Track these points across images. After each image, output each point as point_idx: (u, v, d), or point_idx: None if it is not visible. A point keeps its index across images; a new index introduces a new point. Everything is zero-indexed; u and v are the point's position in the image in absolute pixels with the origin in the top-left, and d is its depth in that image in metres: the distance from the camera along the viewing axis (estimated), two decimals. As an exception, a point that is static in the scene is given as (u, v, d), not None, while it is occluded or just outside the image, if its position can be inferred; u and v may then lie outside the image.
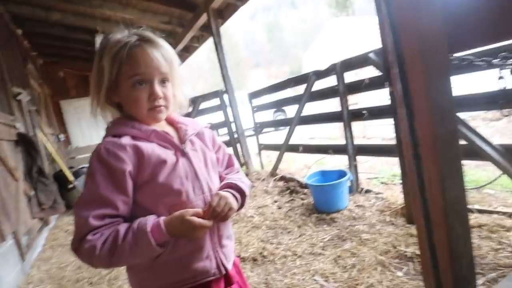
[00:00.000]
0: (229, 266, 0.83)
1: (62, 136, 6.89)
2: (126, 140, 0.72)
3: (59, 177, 4.52)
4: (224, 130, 4.64)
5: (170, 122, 0.87)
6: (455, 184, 0.69)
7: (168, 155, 0.76)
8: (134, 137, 0.74)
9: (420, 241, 0.83)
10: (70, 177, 4.59)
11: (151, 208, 0.73)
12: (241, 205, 0.83)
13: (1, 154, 2.65)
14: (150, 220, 0.69)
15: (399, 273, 1.64)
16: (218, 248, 0.80)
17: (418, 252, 1.74)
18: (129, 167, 0.70)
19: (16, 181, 2.94)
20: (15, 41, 4.84)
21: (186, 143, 0.81)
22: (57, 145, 6.28)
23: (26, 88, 4.51)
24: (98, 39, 4.66)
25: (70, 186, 4.51)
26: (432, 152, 0.70)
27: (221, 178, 0.90)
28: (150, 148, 0.74)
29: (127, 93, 0.75)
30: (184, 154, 0.79)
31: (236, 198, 0.80)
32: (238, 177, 0.88)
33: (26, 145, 3.44)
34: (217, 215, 0.74)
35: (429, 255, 0.75)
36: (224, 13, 4.45)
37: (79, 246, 0.67)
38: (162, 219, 0.70)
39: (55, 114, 7.59)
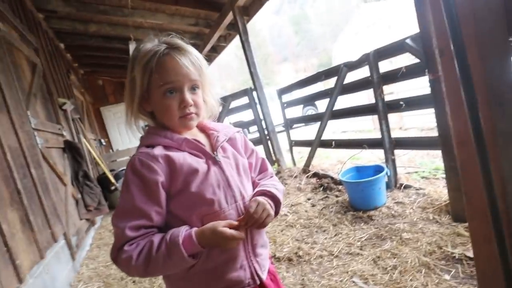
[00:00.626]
0: (264, 276, 0.81)
1: (103, 141, 7.33)
2: (158, 151, 0.73)
3: (102, 180, 4.82)
4: (255, 127, 4.64)
5: (202, 129, 0.87)
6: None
7: (199, 163, 0.76)
8: (166, 147, 0.75)
9: (477, 248, 0.74)
10: (112, 179, 4.88)
11: (184, 217, 0.74)
12: (276, 213, 0.81)
13: (50, 161, 2.87)
14: (182, 232, 0.69)
15: (447, 276, 1.52)
16: (252, 257, 0.80)
17: (467, 253, 1.61)
18: (161, 178, 0.71)
19: (65, 186, 3.18)
20: (59, 54, 5.22)
21: (217, 150, 0.80)
22: (99, 150, 6.71)
23: (70, 98, 4.86)
24: (132, 46, 4.88)
25: (113, 188, 4.79)
26: (493, 149, 0.62)
27: (254, 184, 0.89)
28: (182, 158, 0.74)
29: (159, 102, 0.75)
30: (216, 162, 0.78)
31: (271, 206, 0.78)
32: (272, 183, 0.86)
33: (72, 151, 3.70)
34: (254, 221, 0.73)
35: (502, 266, 0.66)
36: (249, 10, 4.43)
37: (117, 256, 0.70)
38: (194, 230, 0.70)
39: (96, 120, 8.11)
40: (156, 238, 0.69)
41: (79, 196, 3.53)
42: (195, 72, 0.75)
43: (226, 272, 0.76)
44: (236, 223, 0.72)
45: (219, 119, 4.82)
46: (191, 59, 0.75)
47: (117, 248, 0.70)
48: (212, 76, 0.84)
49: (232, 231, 0.70)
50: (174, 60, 0.73)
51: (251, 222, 0.72)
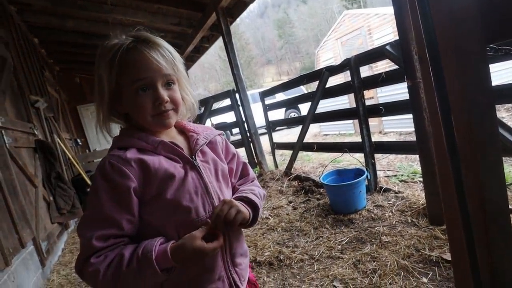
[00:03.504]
0: (243, 287, 0.77)
1: (79, 141, 7.06)
2: (131, 154, 0.68)
3: (78, 181, 4.62)
4: (237, 129, 4.60)
5: (181, 130, 0.81)
6: (496, 194, 0.61)
7: (176, 168, 0.70)
8: (140, 150, 0.69)
9: (456, 255, 0.75)
10: (88, 181, 4.68)
11: (158, 226, 0.68)
12: (254, 219, 0.77)
13: (19, 162, 2.71)
14: (155, 245, 0.63)
15: (424, 279, 1.55)
16: (230, 267, 0.75)
17: (444, 256, 1.65)
18: (134, 183, 0.65)
19: (36, 188, 3.01)
20: (32, 50, 4.97)
21: (196, 154, 0.75)
22: (75, 150, 6.44)
23: (44, 96, 4.63)
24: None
25: (88, 189, 4.60)
26: (470, 158, 0.62)
27: (235, 189, 0.85)
28: (157, 162, 0.68)
29: (131, 101, 0.69)
30: (194, 167, 0.73)
31: (247, 209, 0.74)
32: (250, 189, 0.82)
33: (44, 151, 3.51)
34: (223, 220, 0.67)
35: (472, 275, 0.67)
36: (233, 12, 4.40)
37: (82, 268, 0.63)
38: (169, 246, 0.64)
39: (72, 119, 7.79)
40: (127, 251, 0.63)
41: (51, 198, 3.36)
42: (167, 66, 0.69)
43: (203, 284, 0.71)
44: (208, 228, 0.66)
45: (201, 120, 4.75)
46: (161, 52, 0.69)
47: (82, 260, 0.63)
48: (195, 76, 0.79)
49: (211, 245, 0.65)
50: (142, 54, 0.67)
51: (219, 221, 0.67)
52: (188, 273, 0.69)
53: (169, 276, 0.65)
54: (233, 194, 0.82)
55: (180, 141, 0.78)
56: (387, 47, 2.37)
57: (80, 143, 7.16)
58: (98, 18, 4.93)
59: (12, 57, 3.45)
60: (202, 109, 4.78)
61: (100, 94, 0.71)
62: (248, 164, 0.92)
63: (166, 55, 0.70)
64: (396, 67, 2.41)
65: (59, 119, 5.57)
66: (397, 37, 2.11)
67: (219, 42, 5.33)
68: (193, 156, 0.75)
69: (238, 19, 4.62)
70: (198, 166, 0.74)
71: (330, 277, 1.76)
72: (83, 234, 0.64)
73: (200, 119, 4.75)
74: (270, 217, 2.83)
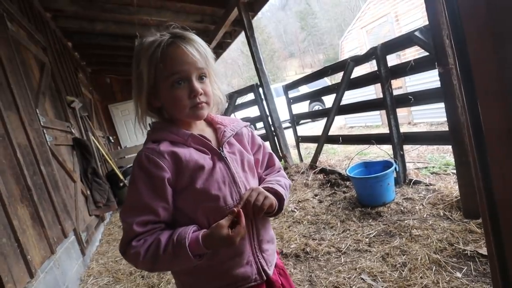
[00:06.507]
0: (270, 271, 0.81)
1: (111, 138, 7.41)
2: (164, 147, 0.73)
3: (111, 177, 4.87)
4: (261, 124, 4.61)
5: (209, 123, 0.86)
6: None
7: (205, 160, 0.75)
8: (172, 142, 0.74)
9: (491, 252, 0.72)
10: (121, 176, 4.92)
11: (189, 213, 0.74)
12: (279, 209, 0.80)
13: (60, 158, 2.91)
14: (189, 233, 0.69)
15: (458, 274, 1.49)
16: (258, 253, 0.79)
17: (480, 250, 1.58)
18: (168, 174, 0.71)
19: (74, 182, 3.22)
20: (67, 53, 5.27)
21: (223, 146, 0.79)
22: (108, 147, 6.77)
23: (78, 96, 4.90)
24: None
25: (121, 184, 4.84)
26: (507, 148, 0.59)
27: (261, 180, 0.88)
28: (188, 154, 0.73)
29: (167, 94, 0.73)
30: (222, 158, 0.77)
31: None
32: (276, 179, 0.84)
33: (81, 148, 3.74)
34: (252, 207, 0.71)
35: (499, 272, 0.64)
36: (254, 6, 4.40)
37: (125, 250, 0.71)
38: (201, 235, 0.69)
39: (104, 117, 8.19)
40: (164, 237, 0.69)
41: (88, 192, 3.58)
42: (201, 60, 0.73)
43: (233, 268, 0.76)
44: (234, 216, 0.70)
45: (226, 115, 4.82)
46: (196, 47, 0.73)
47: (125, 243, 0.71)
48: (218, 72, 0.83)
49: (235, 231, 0.68)
50: (180, 49, 0.71)
51: (248, 206, 0.71)
52: (219, 257, 0.74)
53: (201, 260, 0.70)
54: (259, 184, 0.85)
55: (208, 133, 0.82)
56: (416, 33, 2.27)
57: (112, 140, 7.52)
58: (124, 20, 5.12)
59: (49, 61, 3.68)
60: (227, 104, 4.84)
61: (139, 89, 0.76)
62: (274, 155, 0.95)
63: (201, 50, 0.74)
64: (426, 54, 2.31)
65: (92, 117, 5.87)
66: (427, 22, 2.03)
67: (242, 38, 5.34)
68: (221, 148, 0.78)
69: (259, 13, 4.61)
70: (225, 158, 0.78)
71: (357, 269, 1.74)
72: (125, 220, 0.71)
73: (224, 114, 4.82)
74: (295, 210, 2.84)
